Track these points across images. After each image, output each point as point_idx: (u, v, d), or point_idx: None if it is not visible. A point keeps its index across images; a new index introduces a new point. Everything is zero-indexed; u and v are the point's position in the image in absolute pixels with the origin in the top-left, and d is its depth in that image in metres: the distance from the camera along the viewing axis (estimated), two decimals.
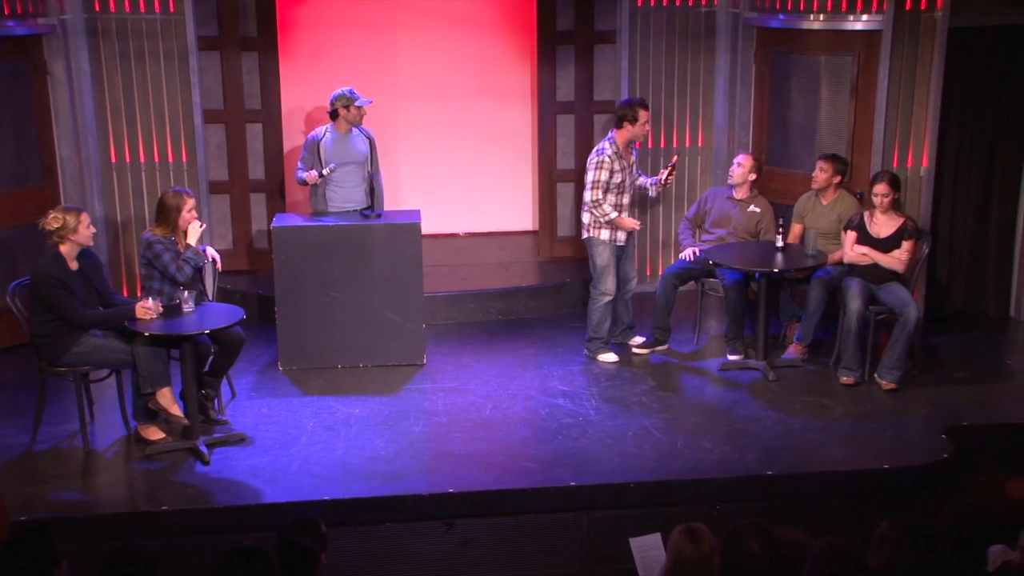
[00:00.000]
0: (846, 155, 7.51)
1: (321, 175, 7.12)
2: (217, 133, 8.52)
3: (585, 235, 7.14)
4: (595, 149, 7.05)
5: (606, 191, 6.96)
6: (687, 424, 6.18)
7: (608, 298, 7.10)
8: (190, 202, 6.15)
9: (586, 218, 7.09)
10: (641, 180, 7.24)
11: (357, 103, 7.22)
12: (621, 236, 7.07)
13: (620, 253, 7.18)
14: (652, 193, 7.32)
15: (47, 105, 7.49)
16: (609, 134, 7.06)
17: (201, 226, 6.19)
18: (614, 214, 6.98)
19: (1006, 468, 6.02)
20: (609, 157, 6.92)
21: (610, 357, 7.17)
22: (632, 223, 7.07)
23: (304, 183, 7.23)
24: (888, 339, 6.66)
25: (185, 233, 6.14)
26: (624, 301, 7.37)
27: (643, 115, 6.97)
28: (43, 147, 7.48)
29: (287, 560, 3.81)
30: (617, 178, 6.97)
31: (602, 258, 7.07)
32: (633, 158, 7.17)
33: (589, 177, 6.98)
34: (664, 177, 7.13)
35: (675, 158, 7.44)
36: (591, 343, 7.22)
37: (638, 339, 7.40)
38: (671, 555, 3.59)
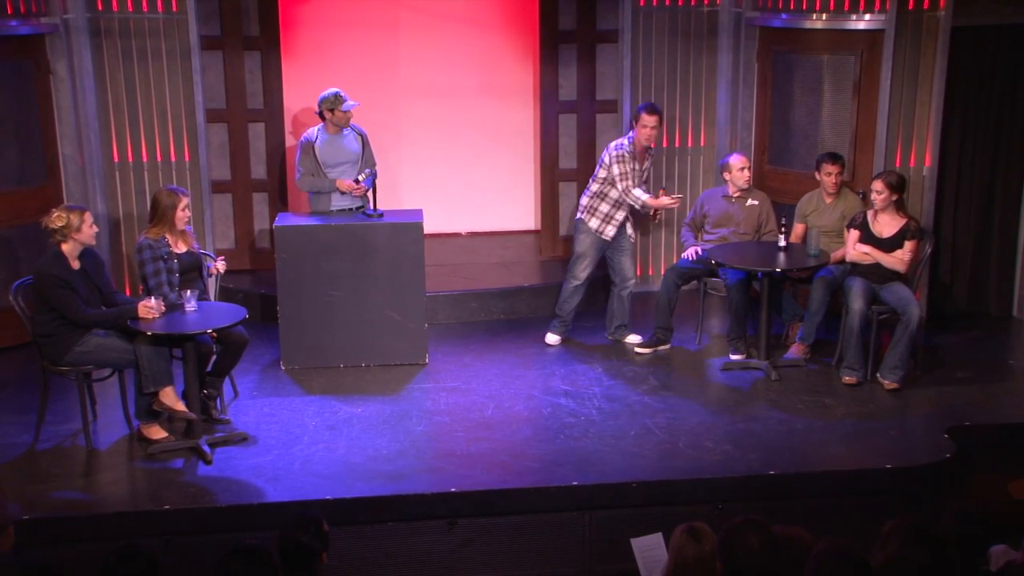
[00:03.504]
0: (848, 155, 7.51)
1: (357, 181, 7.06)
2: (219, 132, 8.52)
3: (578, 215, 7.33)
4: (615, 144, 7.18)
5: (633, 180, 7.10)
6: (689, 423, 6.18)
7: (576, 283, 7.32)
8: (185, 200, 6.20)
9: (584, 201, 7.27)
10: (642, 188, 7.26)
11: (343, 107, 7.12)
12: (609, 231, 7.21)
13: (611, 248, 7.31)
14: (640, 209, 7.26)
15: (50, 104, 7.50)
16: (630, 134, 7.21)
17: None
18: (646, 196, 7.11)
19: (1008, 468, 6.01)
20: (628, 153, 7.09)
21: (553, 339, 7.41)
22: (666, 201, 7.13)
23: (342, 192, 7.11)
24: (890, 339, 6.65)
25: (181, 232, 6.19)
26: (621, 298, 7.44)
27: (644, 118, 7.11)
28: (46, 146, 7.49)
29: (289, 559, 3.81)
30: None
31: (582, 245, 7.29)
32: (647, 164, 7.29)
33: (615, 171, 7.08)
34: (658, 204, 7.14)
35: (662, 190, 7.37)
36: (554, 320, 7.47)
37: (634, 337, 7.43)
38: (673, 555, 3.59)
